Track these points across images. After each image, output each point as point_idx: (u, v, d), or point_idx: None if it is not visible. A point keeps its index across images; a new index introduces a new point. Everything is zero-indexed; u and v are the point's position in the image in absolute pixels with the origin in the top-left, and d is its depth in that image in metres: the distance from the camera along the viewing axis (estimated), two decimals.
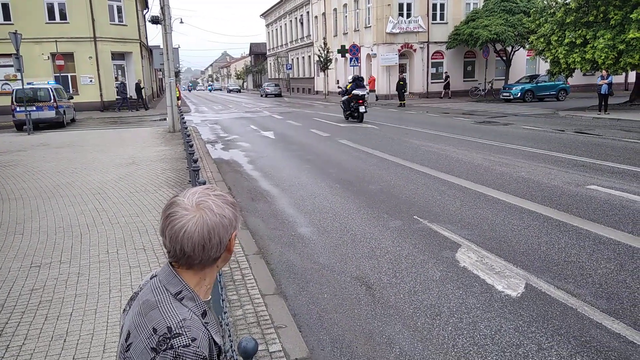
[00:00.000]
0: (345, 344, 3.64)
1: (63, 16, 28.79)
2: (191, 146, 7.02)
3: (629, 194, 7.25)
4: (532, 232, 5.81)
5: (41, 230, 6.28)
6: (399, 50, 34.28)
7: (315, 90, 49.27)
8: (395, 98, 30.87)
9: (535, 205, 6.85)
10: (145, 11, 41.08)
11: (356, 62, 33.45)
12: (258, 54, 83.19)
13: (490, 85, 33.87)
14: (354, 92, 19.86)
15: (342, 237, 5.97)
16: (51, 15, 28.56)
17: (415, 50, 34.66)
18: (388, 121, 19.91)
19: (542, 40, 22.49)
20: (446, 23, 34.93)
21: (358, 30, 37.97)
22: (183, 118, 15.33)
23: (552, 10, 22.46)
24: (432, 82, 35.33)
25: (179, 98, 23.02)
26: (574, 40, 20.42)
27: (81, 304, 4.17)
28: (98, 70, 29.34)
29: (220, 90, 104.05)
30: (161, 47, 19.10)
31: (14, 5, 27.53)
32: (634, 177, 8.40)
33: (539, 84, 29.19)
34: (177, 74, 25.46)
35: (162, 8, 17.70)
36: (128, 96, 29.66)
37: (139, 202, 7.53)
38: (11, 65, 22.19)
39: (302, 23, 53.19)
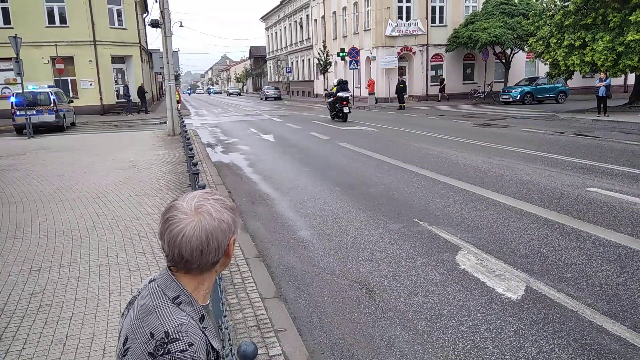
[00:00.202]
0: (345, 347, 3.64)
1: (63, 20, 28.82)
2: (191, 149, 7.01)
3: (629, 196, 7.25)
4: (532, 234, 5.81)
5: (41, 234, 6.27)
6: (399, 53, 34.33)
7: (315, 93, 49.34)
8: (395, 101, 30.92)
9: (535, 208, 6.85)
10: (145, 15, 41.17)
11: (356, 65, 33.53)
12: (258, 57, 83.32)
13: (489, 87, 33.90)
14: (339, 94, 21.04)
15: (342, 240, 5.96)
16: (51, 19, 28.60)
17: (414, 53, 34.71)
18: (387, 124, 19.93)
19: (541, 42, 22.55)
20: (445, 26, 34.98)
21: (357, 33, 38.04)
22: (183, 121, 15.32)
23: (551, 13, 22.51)
24: (431, 85, 35.37)
25: (178, 101, 23.02)
26: (573, 43, 20.47)
27: (81, 308, 4.16)
28: (98, 73, 29.35)
29: (220, 93, 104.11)
30: (161, 50, 19.12)
31: (14, 9, 27.56)
32: (633, 179, 8.40)
33: (538, 87, 29.19)
34: (177, 77, 25.49)
35: (161, 12, 17.73)
36: (131, 99, 29.71)
37: (139, 206, 7.53)
38: (11, 69, 22.18)
39: (301, 26, 53.29)
